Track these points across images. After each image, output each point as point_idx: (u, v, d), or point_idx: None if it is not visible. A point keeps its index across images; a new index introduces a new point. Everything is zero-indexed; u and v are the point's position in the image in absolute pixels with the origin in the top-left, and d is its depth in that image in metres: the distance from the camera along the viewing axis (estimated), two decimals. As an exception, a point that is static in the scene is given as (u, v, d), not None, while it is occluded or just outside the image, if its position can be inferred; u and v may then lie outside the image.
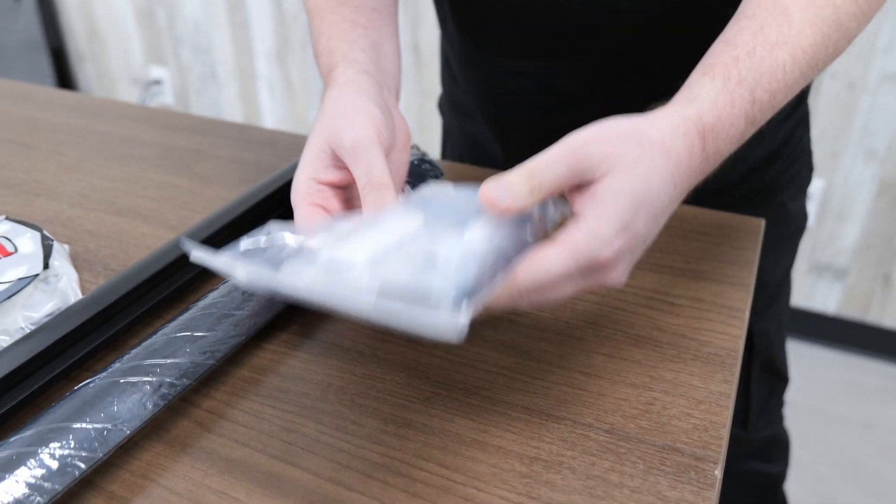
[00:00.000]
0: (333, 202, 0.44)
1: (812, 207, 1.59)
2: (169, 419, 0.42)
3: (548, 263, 0.36)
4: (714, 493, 0.37)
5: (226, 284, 0.47)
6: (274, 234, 0.38)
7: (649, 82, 0.63)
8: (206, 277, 0.52)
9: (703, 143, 0.41)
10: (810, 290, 1.69)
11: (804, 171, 0.76)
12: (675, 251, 0.55)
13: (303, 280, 0.34)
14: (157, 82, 2.27)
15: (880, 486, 1.38)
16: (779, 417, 0.91)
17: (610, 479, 0.37)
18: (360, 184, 0.41)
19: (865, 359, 1.68)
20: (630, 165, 0.38)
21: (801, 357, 1.65)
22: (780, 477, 0.95)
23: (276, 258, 0.36)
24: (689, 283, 0.52)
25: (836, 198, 1.58)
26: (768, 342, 0.78)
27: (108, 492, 0.38)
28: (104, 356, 0.46)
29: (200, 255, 0.36)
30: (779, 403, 0.88)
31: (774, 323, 0.78)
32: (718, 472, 0.38)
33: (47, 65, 2.32)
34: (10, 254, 0.49)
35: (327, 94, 0.48)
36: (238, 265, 0.35)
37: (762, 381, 0.81)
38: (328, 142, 0.44)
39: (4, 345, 0.45)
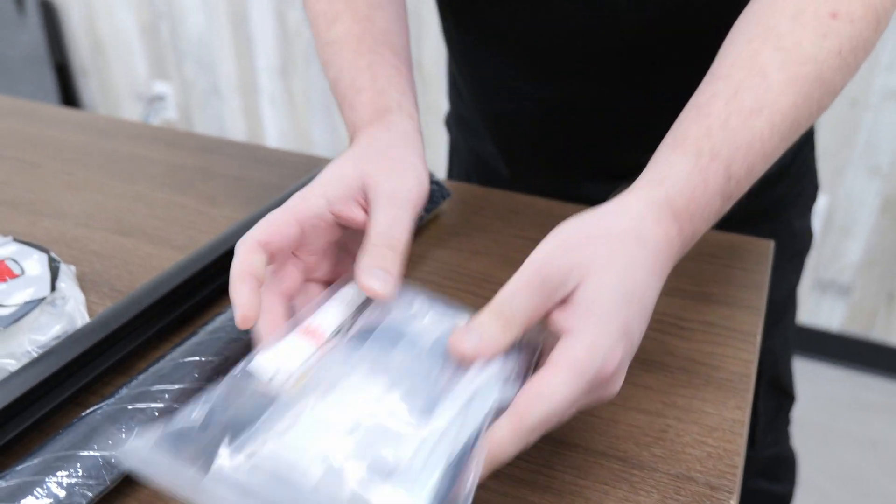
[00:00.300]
0: (310, 257, 0.41)
1: (816, 224, 1.59)
2: (177, 446, 0.41)
3: (553, 392, 0.31)
4: (730, 524, 0.36)
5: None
6: (213, 403, 0.32)
7: (648, 97, 0.63)
8: (213, 301, 0.52)
9: (679, 227, 0.37)
10: (814, 307, 1.68)
11: (810, 189, 0.76)
12: (684, 274, 0.54)
13: (240, 489, 0.29)
14: (161, 97, 2.28)
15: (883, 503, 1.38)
16: (785, 436, 0.90)
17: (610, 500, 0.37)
18: (374, 231, 0.39)
19: (870, 376, 1.67)
20: (604, 266, 0.34)
21: (806, 374, 1.64)
22: (788, 497, 0.94)
23: (210, 444, 0.31)
24: (700, 307, 0.51)
25: (839, 214, 1.58)
26: (774, 360, 0.78)
27: (115, 521, 0.37)
28: (111, 380, 0.45)
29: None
30: (785, 422, 0.88)
31: (780, 341, 0.77)
32: (734, 502, 0.37)
33: (51, 79, 2.33)
34: (17, 276, 0.49)
35: (377, 130, 0.46)
36: (160, 466, 0.30)
37: (768, 399, 0.81)
38: (363, 176, 0.41)
39: (11, 369, 0.45)
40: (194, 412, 0.32)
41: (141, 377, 0.41)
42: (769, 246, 0.59)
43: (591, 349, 0.32)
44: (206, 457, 0.30)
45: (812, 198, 0.76)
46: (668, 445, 0.41)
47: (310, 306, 0.39)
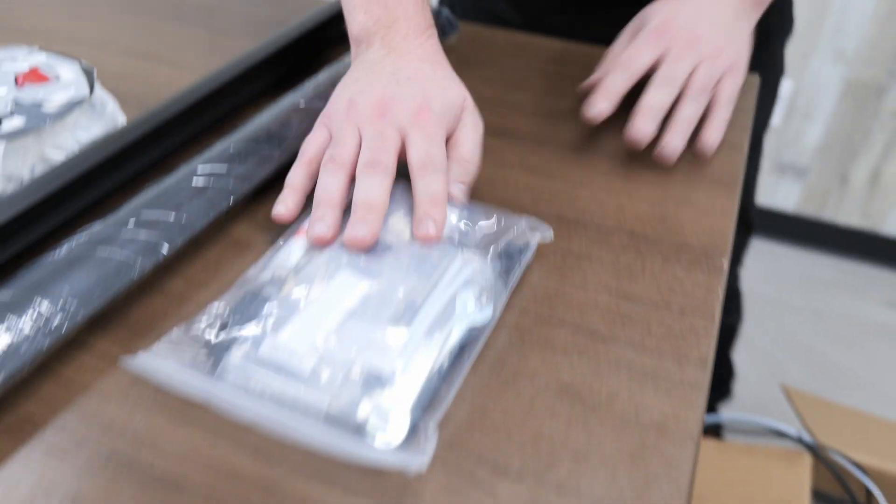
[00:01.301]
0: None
1: (780, 108, 1.65)
2: (232, 223, 0.45)
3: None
4: (722, 279, 0.42)
5: (284, 102, 0.50)
6: (217, 313, 0.36)
7: None
8: (260, 101, 0.55)
9: None
10: (772, 189, 1.77)
11: (788, 19, 0.81)
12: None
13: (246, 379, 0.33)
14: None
15: (826, 368, 1.51)
16: (736, 271, 0.98)
17: (634, 266, 0.43)
18: (470, 148, 0.46)
19: (819, 254, 1.78)
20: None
21: (761, 252, 1.75)
22: (734, 328, 1.04)
23: (216, 348, 0.35)
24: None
25: (803, 98, 1.64)
26: (745, 188, 0.84)
27: (187, 276, 0.41)
28: (154, 177, 0.49)
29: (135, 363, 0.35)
30: (740, 255, 0.96)
31: (750, 169, 0.84)
32: (725, 263, 0.43)
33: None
34: (53, 80, 0.51)
35: (435, 46, 0.50)
36: (170, 370, 0.34)
37: (736, 231, 0.88)
38: (463, 97, 0.47)
39: (57, 159, 0.47)
40: (201, 322, 0.36)
41: (196, 160, 0.45)
42: (755, 80, 0.63)
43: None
44: (214, 359, 0.34)
45: (789, 30, 0.81)
46: (669, 224, 0.46)
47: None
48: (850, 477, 1.01)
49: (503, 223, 0.42)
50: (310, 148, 0.45)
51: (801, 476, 0.96)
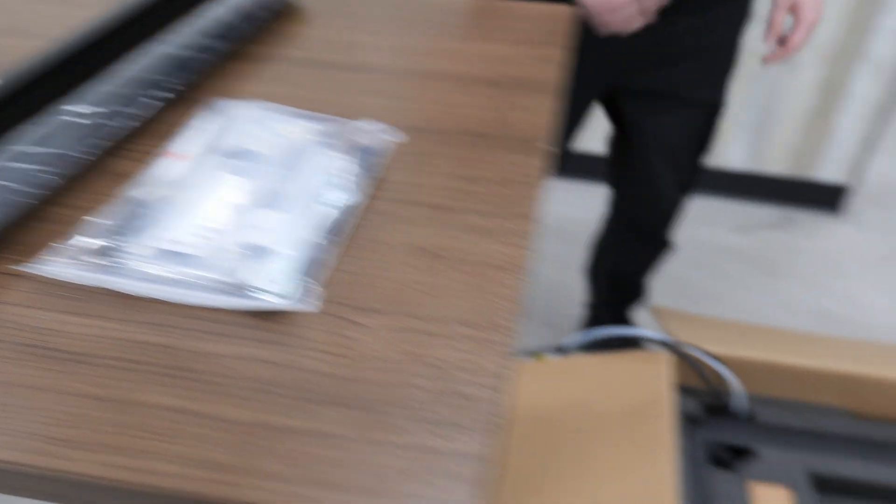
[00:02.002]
0: None
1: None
2: (113, 159, 0.50)
3: None
4: (539, 157, 0.51)
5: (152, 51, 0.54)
6: (112, 220, 0.42)
7: None
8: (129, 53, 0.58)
9: None
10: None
11: None
12: (494, 38, 0.68)
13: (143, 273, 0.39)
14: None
15: (687, 289, 1.68)
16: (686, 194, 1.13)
17: (475, 157, 0.51)
18: None
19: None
20: None
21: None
22: (667, 246, 1.24)
23: (115, 250, 0.40)
24: (508, 64, 0.65)
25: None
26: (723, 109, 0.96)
27: (74, 205, 0.46)
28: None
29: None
30: (696, 177, 1.09)
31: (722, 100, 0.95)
32: (542, 145, 0.52)
33: None
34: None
35: None
36: (72, 271, 0.39)
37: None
38: None
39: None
40: (96, 230, 0.41)
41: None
42: (565, 10, 0.73)
43: None
44: (109, 258, 0.40)
45: None
46: (500, 124, 0.55)
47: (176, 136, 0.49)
48: (707, 367, 1.15)
49: (361, 127, 0.49)
50: None
51: (661, 370, 1.09)
